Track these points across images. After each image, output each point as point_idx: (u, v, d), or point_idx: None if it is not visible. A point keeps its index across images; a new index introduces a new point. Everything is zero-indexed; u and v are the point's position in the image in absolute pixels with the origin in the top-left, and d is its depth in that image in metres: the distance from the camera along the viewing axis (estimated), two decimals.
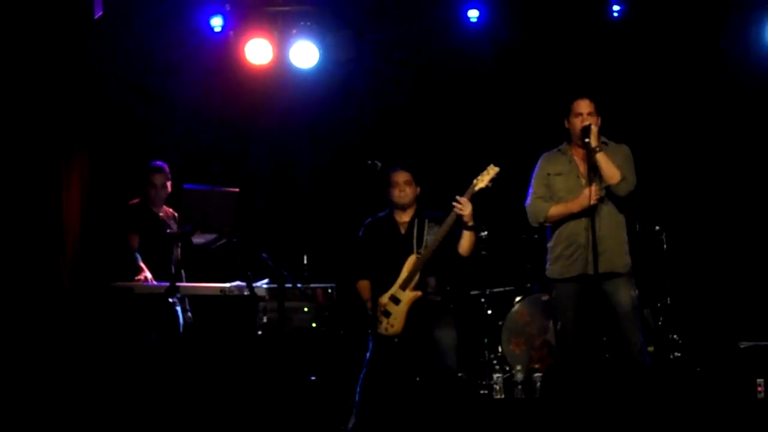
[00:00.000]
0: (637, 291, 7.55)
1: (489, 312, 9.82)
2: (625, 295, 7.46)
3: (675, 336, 9.71)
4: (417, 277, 7.90)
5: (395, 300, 7.89)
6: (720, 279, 10.41)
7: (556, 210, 7.59)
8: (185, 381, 8.46)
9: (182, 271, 8.90)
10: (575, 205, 7.49)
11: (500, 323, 9.67)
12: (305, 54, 10.07)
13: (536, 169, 7.77)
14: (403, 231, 8.08)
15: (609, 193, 7.50)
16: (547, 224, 7.68)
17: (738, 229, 10.49)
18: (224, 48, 10.01)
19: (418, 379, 8.87)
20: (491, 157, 10.27)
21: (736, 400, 9.19)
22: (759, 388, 9.20)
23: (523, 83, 10.71)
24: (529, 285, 9.88)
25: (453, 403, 7.99)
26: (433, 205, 8.16)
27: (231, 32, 9.93)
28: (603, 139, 7.55)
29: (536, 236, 9.72)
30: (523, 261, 10.03)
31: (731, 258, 10.45)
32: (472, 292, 10.01)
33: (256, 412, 8.30)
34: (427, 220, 8.03)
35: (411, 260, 7.91)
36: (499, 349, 9.66)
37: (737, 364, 9.47)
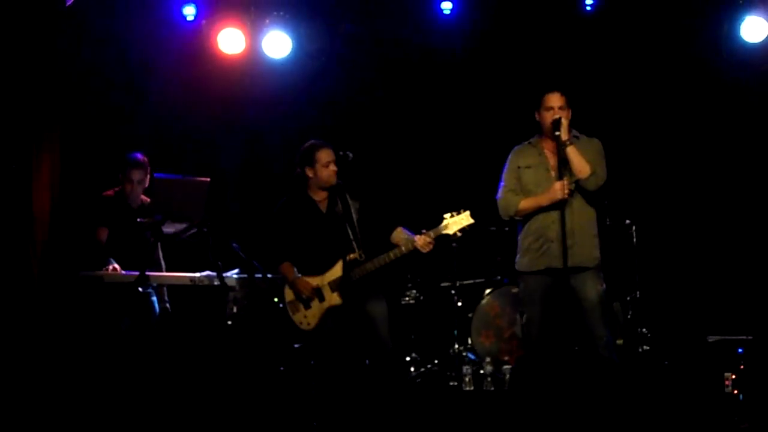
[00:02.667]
0: (604, 285, 7.58)
1: (459, 304, 9.83)
2: (592, 289, 7.49)
3: (644, 329, 9.75)
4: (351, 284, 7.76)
5: (320, 295, 7.82)
6: (689, 273, 10.45)
7: (526, 203, 7.59)
8: (155, 370, 8.42)
9: (161, 257, 8.87)
10: (545, 199, 7.50)
11: (470, 315, 9.69)
12: (278, 44, 10.02)
13: (507, 163, 7.77)
14: (323, 209, 7.99)
15: (579, 187, 7.51)
16: (517, 218, 7.68)
17: (708, 223, 10.53)
18: (196, 37, 9.96)
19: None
20: (464, 147, 10.41)
21: (704, 394, 9.25)
22: (727, 383, 9.26)
23: (496, 76, 10.72)
24: (499, 277, 9.89)
25: (392, 377, 7.90)
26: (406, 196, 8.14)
27: (203, 21, 9.88)
28: (574, 132, 7.57)
29: (507, 229, 9.74)
30: (494, 253, 10.04)
31: (701, 252, 10.49)
32: (443, 284, 10.03)
33: (224, 402, 8.28)
34: (347, 196, 7.89)
35: (347, 258, 7.72)
36: (469, 341, 9.67)
37: (705, 358, 9.51)
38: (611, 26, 10.45)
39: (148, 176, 8.89)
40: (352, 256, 7.73)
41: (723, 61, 10.37)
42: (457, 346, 9.69)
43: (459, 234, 7.71)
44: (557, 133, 7.40)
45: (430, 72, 10.80)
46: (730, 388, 9.22)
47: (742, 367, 9.33)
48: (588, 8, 10.31)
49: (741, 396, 9.22)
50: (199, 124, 10.42)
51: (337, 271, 7.79)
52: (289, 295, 7.94)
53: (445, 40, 10.58)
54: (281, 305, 8.05)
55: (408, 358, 9.78)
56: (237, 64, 10.18)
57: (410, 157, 10.63)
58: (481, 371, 9.43)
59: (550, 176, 7.58)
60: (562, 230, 7.28)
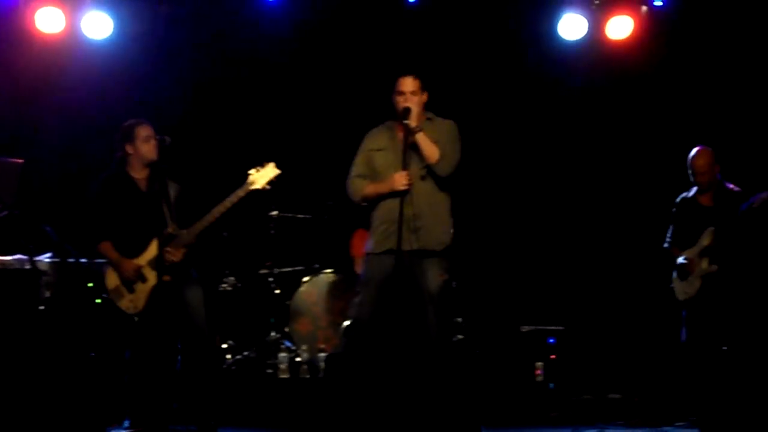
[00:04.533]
0: (447, 276, 7.53)
1: (277, 291, 9.83)
2: (433, 278, 7.43)
3: (459, 319, 9.87)
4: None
5: (141, 276, 7.67)
6: (504, 264, 10.62)
7: (369, 190, 7.53)
8: None
9: None
10: (385, 187, 7.44)
11: (287, 303, 9.69)
12: (98, 24, 9.88)
13: (361, 146, 7.71)
14: (143, 188, 7.83)
15: (430, 171, 7.49)
16: (364, 203, 7.64)
17: (524, 216, 10.71)
18: (13, 15, 9.73)
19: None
20: (288, 135, 10.39)
21: (516, 383, 9.44)
22: (537, 371, 9.48)
23: (323, 63, 10.68)
24: (317, 266, 9.90)
25: (206, 364, 7.81)
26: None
27: None
28: (428, 114, 7.56)
29: (326, 217, 9.80)
30: (312, 241, 10.06)
31: (516, 244, 10.67)
32: (261, 272, 10.01)
33: (34, 387, 8.11)
34: (166, 178, 7.79)
35: (162, 235, 7.62)
36: (286, 329, 9.67)
37: (518, 347, 9.70)
38: (433, 20, 10.53)
39: None
40: (166, 231, 7.63)
41: (541, 58, 10.59)
42: (273, 333, 9.69)
43: (268, 187, 7.65)
44: (406, 121, 7.36)
45: (257, 57, 10.70)
46: (540, 377, 9.45)
47: (552, 356, 9.57)
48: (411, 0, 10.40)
49: (551, 385, 9.46)
50: (14, 105, 10.15)
51: (153, 249, 7.66)
52: (111, 281, 7.73)
53: (271, 25, 10.50)
54: (104, 295, 7.84)
55: (225, 345, 9.72)
56: (56, 45, 9.99)
57: (232, 143, 10.53)
58: (297, 359, 9.45)
59: (400, 159, 7.52)
60: (400, 216, 7.20)
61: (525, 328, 9.76)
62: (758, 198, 8.34)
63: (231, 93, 10.72)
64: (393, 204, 7.40)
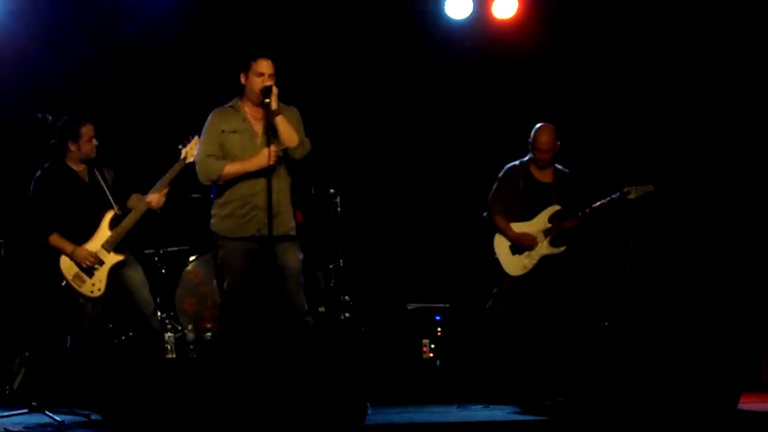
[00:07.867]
0: (302, 254, 7.66)
1: (163, 271, 9.76)
2: (294, 258, 7.55)
3: (346, 297, 9.91)
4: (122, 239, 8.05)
5: (98, 260, 7.96)
6: (391, 243, 10.68)
7: (231, 168, 7.51)
8: None
9: None
10: (252, 165, 7.44)
11: (174, 282, 9.63)
12: None
13: (207, 126, 7.65)
14: (86, 179, 8.10)
15: (284, 156, 7.52)
16: (219, 182, 7.61)
17: (409, 195, 10.78)
18: None
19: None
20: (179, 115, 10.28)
21: (403, 360, 9.51)
22: (424, 348, 9.56)
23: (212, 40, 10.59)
24: (204, 245, 9.84)
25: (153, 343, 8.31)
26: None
27: None
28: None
29: (212, 196, 9.72)
30: (198, 220, 9.99)
31: (402, 223, 10.74)
32: (146, 251, 9.92)
33: None
34: (104, 169, 8.18)
35: (109, 217, 8.01)
36: (173, 310, 9.62)
37: (405, 325, 9.76)
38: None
39: None
40: (111, 213, 8.04)
41: (429, 36, 10.64)
42: (160, 313, 9.60)
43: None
44: (267, 100, 7.36)
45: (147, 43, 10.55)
46: (427, 354, 9.54)
47: (439, 333, 9.66)
48: None
49: (437, 361, 9.55)
50: None
51: (104, 232, 7.99)
52: (69, 270, 7.96)
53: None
54: (63, 283, 7.97)
55: (111, 326, 9.62)
56: None
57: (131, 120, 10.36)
58: (184, 338, 9.40)
59: (255, 142, 7.54)
60: (269, 198, 7.25)
61: (411, 306, 9.84)
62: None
63: (125, 70, 10.49)
64: (254, 187, 7.52)
